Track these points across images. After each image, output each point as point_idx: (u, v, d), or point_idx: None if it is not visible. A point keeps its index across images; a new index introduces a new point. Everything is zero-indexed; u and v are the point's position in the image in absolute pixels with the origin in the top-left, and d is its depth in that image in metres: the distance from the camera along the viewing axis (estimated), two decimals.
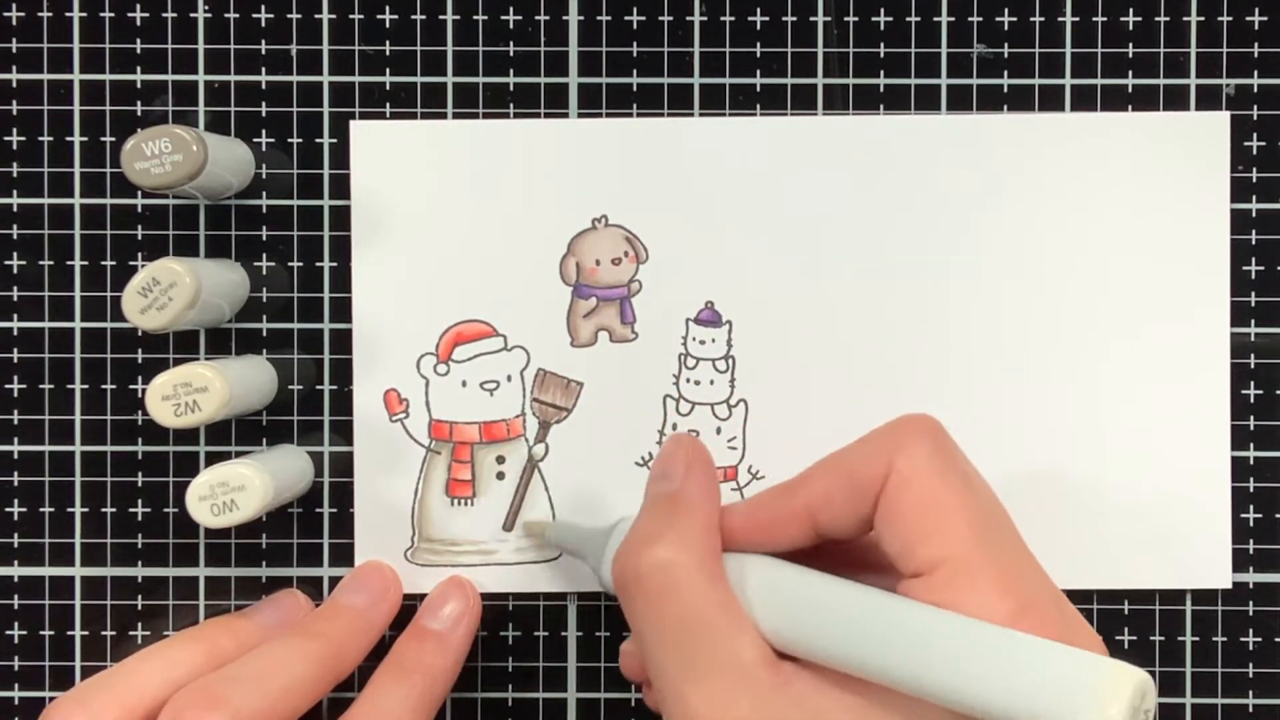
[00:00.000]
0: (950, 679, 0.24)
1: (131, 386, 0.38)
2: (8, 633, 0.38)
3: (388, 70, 0.38)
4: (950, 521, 0.26)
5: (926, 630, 0.25)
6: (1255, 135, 0.38)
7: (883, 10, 0.38)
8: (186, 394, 0.33)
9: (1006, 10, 0.38)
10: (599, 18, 0.38)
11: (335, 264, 0.38)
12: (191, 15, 0.38)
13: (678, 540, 0.28)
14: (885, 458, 0.28)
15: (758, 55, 0.38)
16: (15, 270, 0.38)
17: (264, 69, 0.38)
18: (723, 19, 0.38)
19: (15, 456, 0.38)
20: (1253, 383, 0.38)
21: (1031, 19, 0.38)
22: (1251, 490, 0.38)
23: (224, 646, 0.34)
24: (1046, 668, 0.23)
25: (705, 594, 0.27)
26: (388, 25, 0.38)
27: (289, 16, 0.38)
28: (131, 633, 0.38)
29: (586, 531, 0.35)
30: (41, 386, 0.38)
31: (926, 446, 0.27)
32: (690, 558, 0.28)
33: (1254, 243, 0.38)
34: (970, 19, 0.38)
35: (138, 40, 0.38)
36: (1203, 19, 0.38)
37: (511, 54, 0.38)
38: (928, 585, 0.26)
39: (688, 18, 0.38)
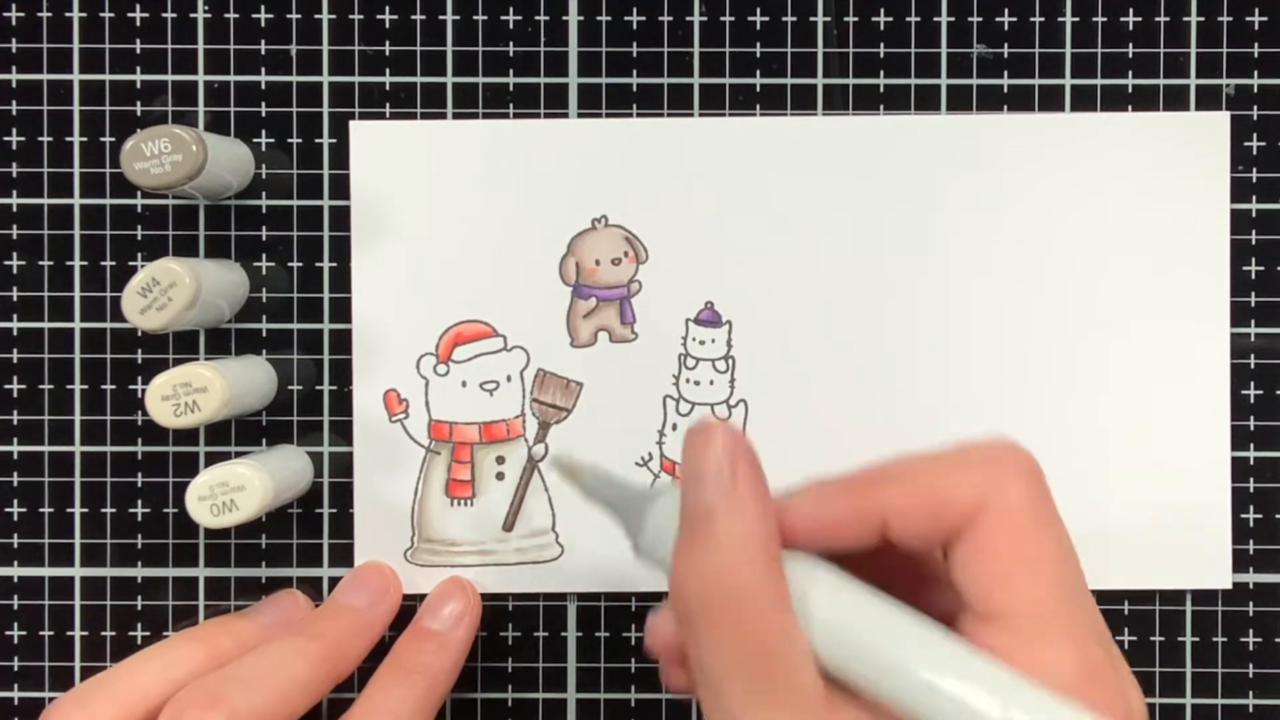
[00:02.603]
0: None
1: (131, 387, 0.38)
2: (7, 633, 0.38)
3: (387, 70, 0.38)
4: (1037, 573, 0.25)
5: (1003, 692, 0.24)
6: (1255, 135, 0.38)
7: (883, 10, 0.38)
8: (186, 394, 0.33)
9: (1006, 10, 0.38)
10: (599, 18, 0.38)
11: (335, 264, 0.38)
12: (191, 15, 0.38)
13: (736, 557, 0.26)
14: (980, 488, 0.26)
15: (758, 55, 0.38)
16: (15, 270, 0.38)
17: (264, 69, 0.38)
18: (723, 19, 0.38)
19: (15, 457, 0.38)
20: (1253, 383, 0.38)
21: (1031, 19, 0.38)
22: (1251, 490, 0.38)
23: (224, 646, 0.34)
24: None
25: (769, 619, 0.26)
26: (388, 25, 0.38)
27: (289, 16, 0.38)
28: (131, 633, 0.38)
29: (624, 491, 0.31)
30: (41, 387, 0.38)
31: (1027, 490, 0.26)
32: (752, 577, 0.26)
33: (1254, 243, 0.38)
34: (970, 19, 0.38)
35: (137, 40, 0.38)
36: (1203, 19, 0.38)
37: (511, 54, 0.38)
38: (996, 629, 0.25)
39: (688, 18, 0.38)
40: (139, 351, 0.38)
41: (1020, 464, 0.27)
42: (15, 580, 0.38)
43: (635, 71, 0.38)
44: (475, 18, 0.38)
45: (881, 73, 0.38)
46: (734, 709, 0.26)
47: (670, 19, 0.38)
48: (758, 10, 0.38)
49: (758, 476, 0.28)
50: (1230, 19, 0.38)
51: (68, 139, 0.38)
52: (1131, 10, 0.38)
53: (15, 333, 0.38)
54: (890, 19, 0.38)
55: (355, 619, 0.36)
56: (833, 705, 0.26)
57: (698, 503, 0.28)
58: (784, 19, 0.38)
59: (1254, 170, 0.38)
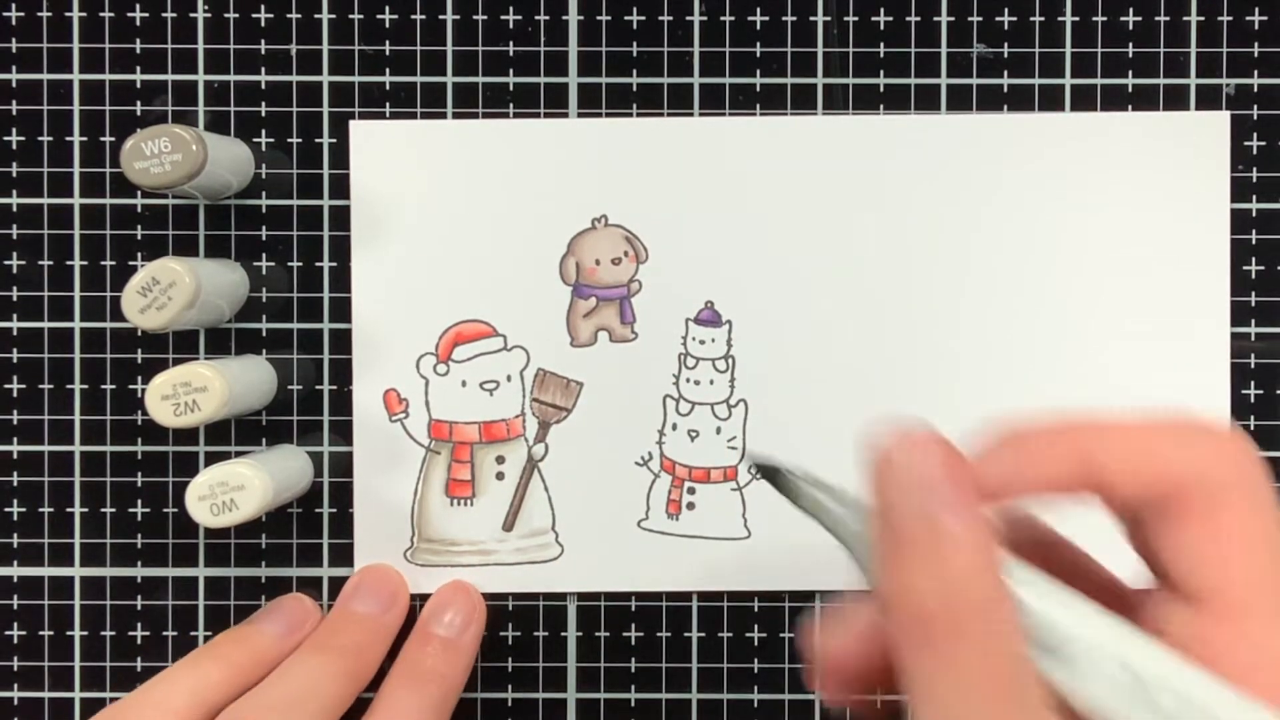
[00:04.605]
0: None
1: (131, 386, 0.38)
2: (7, 633, 0.38)
3: (387, 70, 0.38)
4: (1255, 556, 0.24)
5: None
6: (1255, 135, 0.38)
7: (883, 10, 0.38)
8: (186, 394, 0.33)
9: (1006, 10, 0.38)
10: (599, 18, 0.38)
11: (335, 264, 0.38)
12: (191, 15, 0.38)
13: (971, 570, 0.24)
14: (1202, 463, 0.25)
15: (758, 55, 0.38)
16: (15, 270, 0.38)
17: (264, 69, 0.38)
18: (723, 19, 0.38)
19: (15, 456, 0.38)
20: (1253, 383, 0.38)
21: (1031, 19, 0.38)
22: None
23: (242, 662, 0.34)
24: None
25: (1010, 637, 0.24)
26: (387, 25, 0.38)
27: (289, 16, 0.38)
28: (131, 633, 0.38)
29: (837, 503, 0.27)
30: (41, 386, 0.38)
31: (1253, 472, 0.25)
32: (987, 591, 0.24)
33: (1254, 243, 0.38)
34: (970, 19, 0.38)
35: (137, 40, 0.38)
36: (1203, 19, 0.38)
37: (511, 54, 0.38)
38: (1201, 611, 0.24)
39: (688, 18, 0.38)
40: (139, 351, 0.38)
41: (1246, 447, 0.25)
42: (15, 580, 0.38)
43: (635, 71, 0.38)
44: (475, 18, 0.38)
45: (881, 73, 0.38)
46: None
47: (670, 19, 0.38)
48: (758, 10, 0.38)
49: (970, 482, 0.25)
50: (1230, 19, 0.38)
51: (68, 139, 0.38)
52: (1131, 10, 0.38)
53: (15, 332, 0.38)
54: (890, 19, 0.38)
55: (370, 627, 0.36)
56: None
57: (916, 511, 0.25)
58: (784, 19, 0.38)
59: (1254, 170, 0.38)
